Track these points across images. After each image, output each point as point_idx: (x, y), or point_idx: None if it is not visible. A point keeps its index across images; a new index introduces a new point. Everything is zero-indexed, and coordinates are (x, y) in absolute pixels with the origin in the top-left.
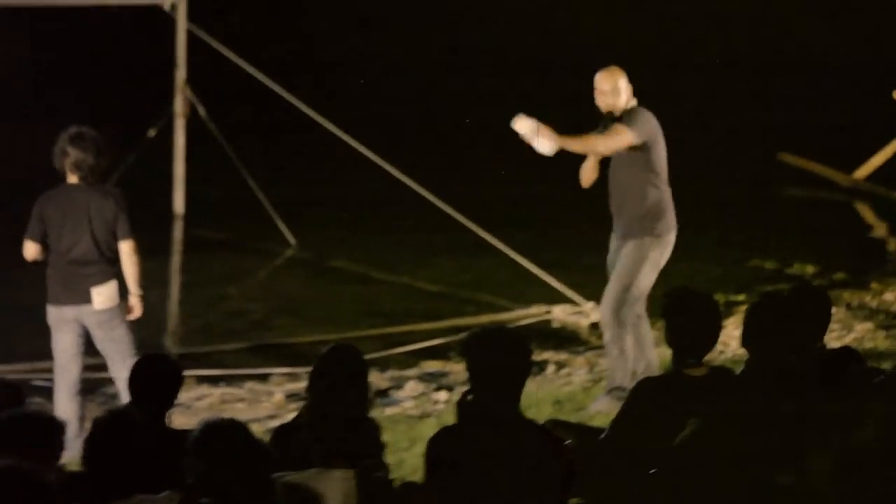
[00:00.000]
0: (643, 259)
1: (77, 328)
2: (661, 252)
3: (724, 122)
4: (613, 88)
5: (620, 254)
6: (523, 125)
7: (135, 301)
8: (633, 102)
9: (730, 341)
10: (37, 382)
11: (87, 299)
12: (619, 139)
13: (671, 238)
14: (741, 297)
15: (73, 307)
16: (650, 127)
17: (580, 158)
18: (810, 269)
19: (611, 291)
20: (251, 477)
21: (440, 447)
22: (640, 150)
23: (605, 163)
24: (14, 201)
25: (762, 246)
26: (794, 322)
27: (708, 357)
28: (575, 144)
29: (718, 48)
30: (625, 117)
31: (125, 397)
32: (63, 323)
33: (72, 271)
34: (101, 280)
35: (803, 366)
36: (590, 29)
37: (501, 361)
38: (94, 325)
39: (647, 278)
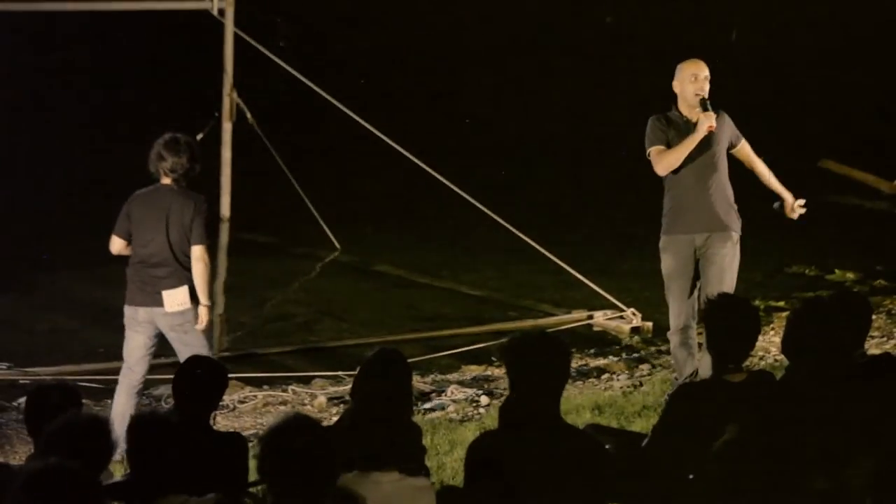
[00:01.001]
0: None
1: (150, 329)
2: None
3: (764, 127)
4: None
5: (722, 252)
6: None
7: (202, 310)
8: None
9: (770, 347)
10: (83, 384)
11: (159, 301)
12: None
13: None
14: (781, 304)
15: (146, 308)
16: None
17: (622, 168)
18: (851, 276)
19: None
20: (320, 477)
21: (481, 452)
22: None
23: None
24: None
25: (803, 252)
26: (835, 328)
27: (747, 363)
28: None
29: (758, 51)
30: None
31: None
32: (136, 323)
33: (146, 273)
34: (174, 284)
35: (843, 372)
36: (620, 27)
37: (541, 366)
38: (166, 328)
39: None
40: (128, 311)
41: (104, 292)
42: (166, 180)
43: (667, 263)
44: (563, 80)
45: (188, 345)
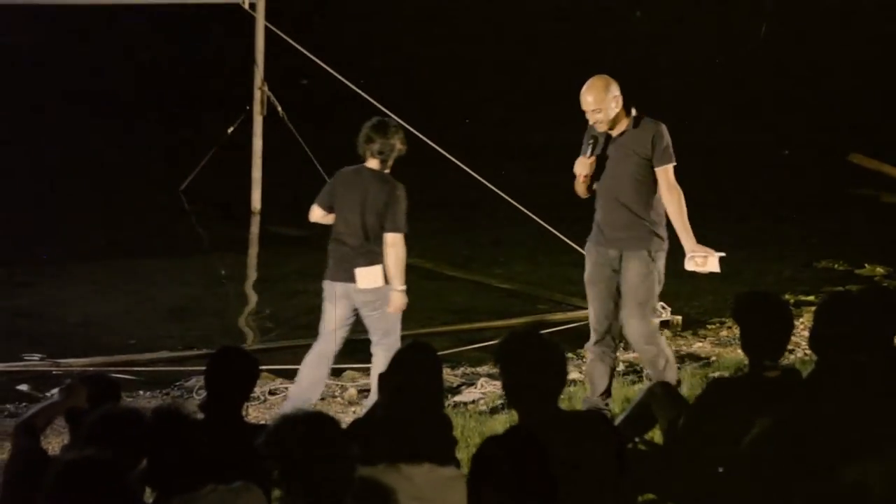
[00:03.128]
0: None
1: (346, 304)
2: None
3: (794, 122)
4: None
5: (631, 271)
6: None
7: (394, 295)
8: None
9: (800, 342)
10: (116, 375)
11: (354, 278)
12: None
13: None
14: (811, 298)
15: (342, 284)
16: None
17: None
18: (880, 271)
19: None
20: (335, 471)
21: (482, 461)
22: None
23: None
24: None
25: (832, 247)
26: (864, 321)
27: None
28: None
29: (789, 48)
30: (660, 136)
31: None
32: (333, 297)
33: (343, 249)
34: (367, 262)
35: (873, 366)
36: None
37: (533, 367)
38: (360, 305)
39: None
40: (326, 285)
41: (136, 285)
42: (372, 163)
43: (586, 270)
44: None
45: (378, 324)
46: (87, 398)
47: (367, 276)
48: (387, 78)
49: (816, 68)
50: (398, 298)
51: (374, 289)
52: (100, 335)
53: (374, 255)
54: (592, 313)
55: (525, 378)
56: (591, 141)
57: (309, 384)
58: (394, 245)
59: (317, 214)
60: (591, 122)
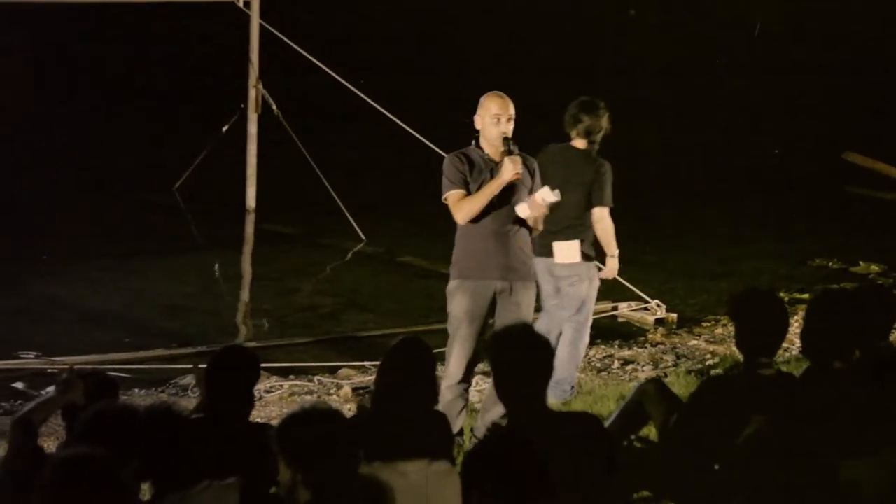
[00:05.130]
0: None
1: (549, 279)
2: None
3: (789, 121)
4: None
5: (521, 302)
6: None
7: (609, 261)
8: None
9: (795, 339)
10: (111, 373)
11: (551, 253)
12: None
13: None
14: (806, 296)
15: (542, 259)
16: None
17: (646, 160)
18: (875, 269)
19: None
20: (342, 466)
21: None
22: None
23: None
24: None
25: (827, 245)
26: (856, 319)
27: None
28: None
29: (784, 47)
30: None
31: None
32: (540, 272)
33: (548, 224)
34: (565, 237)
35: (867, 363)
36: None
37: (522, 360)
38: (559, 278)
39: None
40: (535, 261)
41: (131, 283)
42: (579, 142)
43: (460, 306)
44: (577, 78)
45: (572, 297)
46: (84, 395)
47: (563, 251)
48: (384, 75)
49: (808, 67)
50: (611, 265)
51: (571, 264)
52: (95, 333)
53: (572, 231)
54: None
55: (513, 375)
56: (508, 143)
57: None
58: (601, 220)
59: None
60: (498, 132)
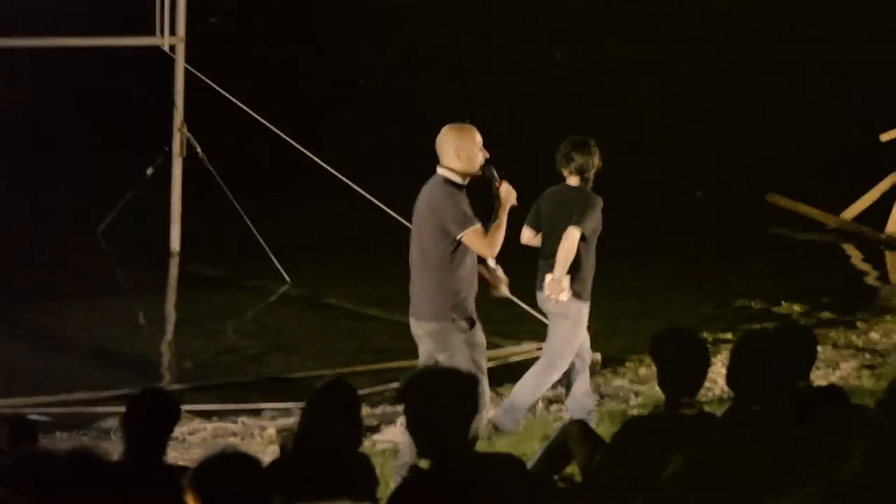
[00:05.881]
0: None
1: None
2: None
3: (711, 163)
4: None
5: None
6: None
7: (550, 279)
8: None
9: (718, 379)
10: (33, 416)
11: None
12: None
13: None
14: (729, 336)
15: (539, 293)
16: None
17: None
18: (798, 309)
19: None
20: None
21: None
22: None
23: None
24: None
25: (750, 286)
26: (779, 360)
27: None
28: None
29: (712, 87)
30: None
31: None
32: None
33: (543, 263)
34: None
35: (788, 403)
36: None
37: (442, 404)
38: (548, 313)
39: None
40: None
41: (55, 326)
42: (572, 180)
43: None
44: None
45: (551, 335)
46: (6, 440)
47: (551, 287)
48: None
49: (735, 105)
50: (552, 286)
51: (558, 301)
52: (16, 376)
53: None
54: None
55: (433, 417)
56: (490, 168)
57: (581, 396)
58: (567, 238)
59: (527, 236)
60: (480, 162)
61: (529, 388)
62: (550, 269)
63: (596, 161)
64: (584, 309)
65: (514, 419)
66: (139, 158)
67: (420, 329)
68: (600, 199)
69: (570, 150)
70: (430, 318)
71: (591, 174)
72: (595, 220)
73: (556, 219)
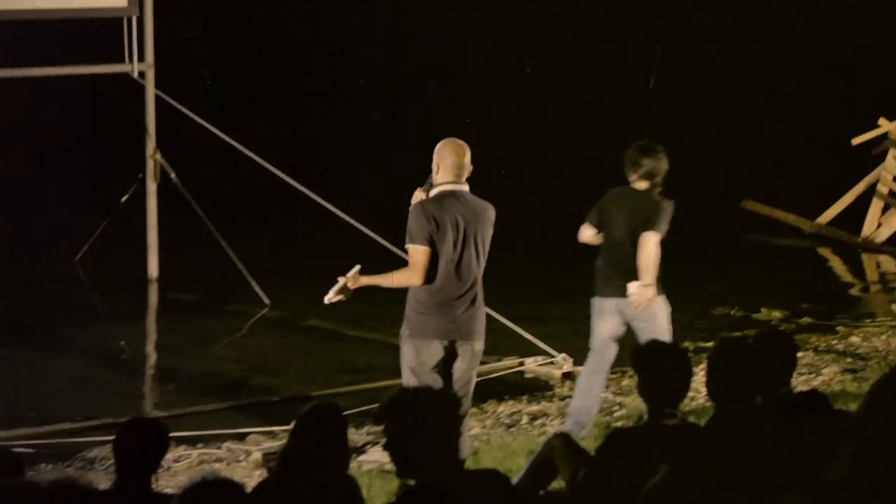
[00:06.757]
0: None
1: (617, 320)
2: None
3: (686, 168)
4: None
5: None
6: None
7: (639, 288)
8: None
9: (700, 388)
10: (17, 449)
11: (623, 293)
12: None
13: None
14: (709, 344)
15: (613, 300)
16: None
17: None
18: (777, 315)
19: None
20: None
21: None
22: None
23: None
24: None
25: (729, 293)
26: (757, 366)
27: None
28: None
29: (683, 91)
30: None
31: None
32: (604, 313)
33: (613, 267)
34: (637, 277)
35: (769, 410)
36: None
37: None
38: (632, 317)
39: None
40: (596, 301)
41: (34, 356)
42: (640, 184)
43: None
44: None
45: (652, 334)
46: None
47: (641, 290)
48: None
49: (708, 108)
50: (641, 292)
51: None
52: None
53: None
54: None
55: (418, 437)
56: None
57: (586, 398)
58: (645, 244)
59: (587, 234)
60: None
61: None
62: (626, 275)
63: (664, 165)
64: (663, 301)
65: (581, 424)
66: (115, 186)
67: (473, 348)
68: (672, 204)
69: (638, 154)
70: (482, 336)
71: (660, 179)
72: (668, 224)
73: (629, 224)
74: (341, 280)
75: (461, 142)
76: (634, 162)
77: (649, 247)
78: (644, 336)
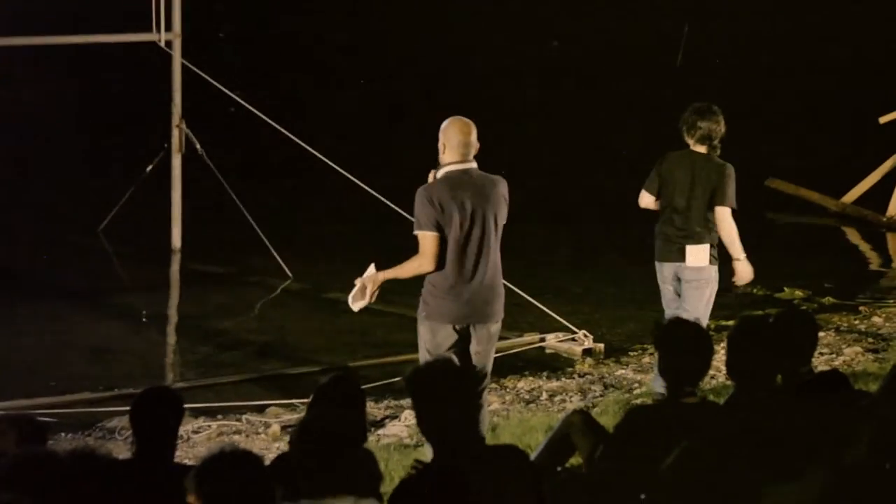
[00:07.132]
0: None
1: (675, 284)
2: None
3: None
4: None
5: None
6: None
7: (739, 265)
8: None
9: (721, 367)
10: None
11: (681, 257)
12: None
13: None
14: (731, 323)
15: (670, 264)
16: None
17: (565, 184)
18: (799, 294)
19: None
20: None
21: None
22: None
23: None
24: None
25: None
26: (779, 345)
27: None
28: None
29: (705, 72)
30: None
31: None
32: (662, 278)
33: (671, 231)
34: (696, 241)
35: (789, 389)
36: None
37: (444, 394)
38: (685, 280)
39: None
40: (657, 266)
41: (57, 326)
42: (700, 148)
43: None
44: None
45: (695, 302)
46: (15, 441)
47: (696, 254)
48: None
49: (735, 90)
50: (743, 268)
51: (699, 267)
52: (21, 378)
53: (700, 236)
54: None
55: (439, 410)
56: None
57: None
58: (723, 220)
59: (646, 200)
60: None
61: None
62: (686, 240)
63: (721, 127)
64: (716, 273)
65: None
66: (139, 156)
67: (489, 331)
68: (732, 168)
69: (695, 117)
70: (500, 318)
71: (718, 141)
72: (734, 190)
73: (691, 192)
74: (358, 282)
75: (467, 120)
76: (692, 125)
77: (728, 221)
78: (686, 302)
